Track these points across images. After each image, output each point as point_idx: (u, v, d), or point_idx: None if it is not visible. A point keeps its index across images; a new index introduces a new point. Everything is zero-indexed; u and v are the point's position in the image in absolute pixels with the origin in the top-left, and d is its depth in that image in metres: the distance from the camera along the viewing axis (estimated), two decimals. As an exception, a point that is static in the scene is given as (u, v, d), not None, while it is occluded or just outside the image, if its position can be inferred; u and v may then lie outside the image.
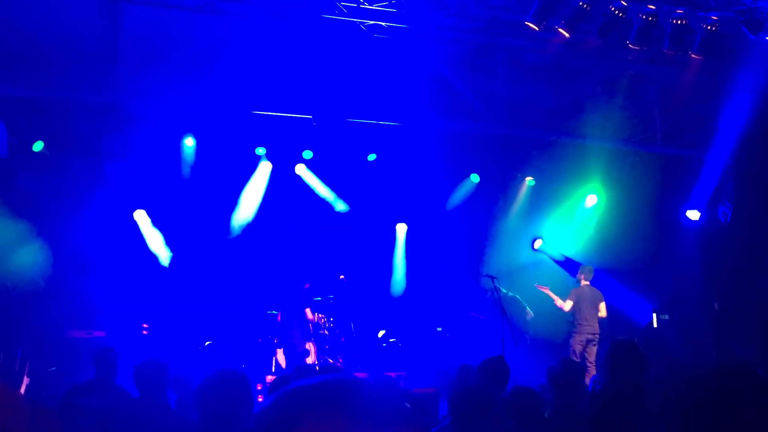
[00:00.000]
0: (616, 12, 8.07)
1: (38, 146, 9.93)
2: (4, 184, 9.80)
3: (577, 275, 10.73)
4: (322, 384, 1.14)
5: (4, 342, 9.03)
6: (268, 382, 8.99)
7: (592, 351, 10.22)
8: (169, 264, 10.92)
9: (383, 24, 9.04)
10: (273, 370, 10.07)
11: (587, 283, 10.62)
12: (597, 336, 10.31)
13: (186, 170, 11.02)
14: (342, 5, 8.68)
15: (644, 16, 8.22)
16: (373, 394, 1.15)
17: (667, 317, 10.89)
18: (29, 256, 9.83)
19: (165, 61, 9.29)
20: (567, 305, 10.39)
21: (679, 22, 8.39)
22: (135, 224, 10.93)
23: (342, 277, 10.90)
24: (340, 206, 12.07)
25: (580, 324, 10.35)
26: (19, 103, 9.44)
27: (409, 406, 1.47)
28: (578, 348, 10.26)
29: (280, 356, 10.41)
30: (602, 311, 10.47)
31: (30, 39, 8.78)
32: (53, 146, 10.07)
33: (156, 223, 11.04)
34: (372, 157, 11.64)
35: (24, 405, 1.23)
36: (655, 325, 10.92)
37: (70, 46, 8.95)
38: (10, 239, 9.69)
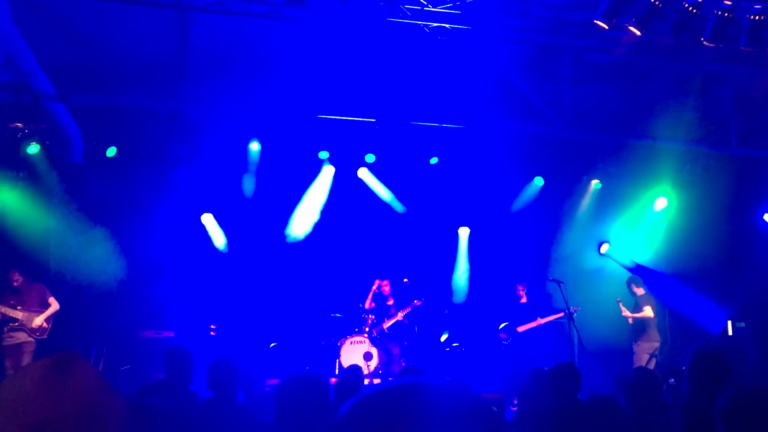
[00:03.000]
0: (690, 8, 7.78)
1: (111, 152, 10.26)
2: (79, 190, 10.16)
3: (632, 287, 10.58)
4: (400, 388, 1.11)
5: (80, 341, 9.36)
6: (332, 384, 9.01)
7: (653, 361, 10.00)
8: (236, 267, 11.10)
9: (447, 26, 8.98)
10: (336, 372, 10.11)
11: (642, 290, 10.54)
12: (658, 343, 10.28)
13: (251, 174, 11.20)
14: (406, 8, 8.67)
15: (720, 12, 7.90)
16: (453, 396, 1.11)
17: (743, 325, 10.44)
18: (102, 259, 10.18)
19: (231, 68, 9.47)
20: (648, 311, 10.25)
21: (757, 17, 8.03)
22: (202, 227, 11.16)
23: (406, 280, 10.88)
24: (401, 209, 12.08)
25: (649, 333, 10.12)
26: (93, 112, 9.78)
27: (495, 408, 1.40)
28: (644, 358, 9.97)
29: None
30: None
31: (104, 51, 9.10)
32: (124, 153, 10.40)
33: (222, 226, 11.26)
34: (434, 160, 11.57)
35: (120, 398, 1.24)
36: (730, 333, 10.49)
37: (142, 57, 9.24)
38: (84, 242, 10.05)
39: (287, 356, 10.32)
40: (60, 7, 8.44)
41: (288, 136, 10.78)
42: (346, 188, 11.76)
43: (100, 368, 9.27)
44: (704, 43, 8.12)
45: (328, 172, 11.67)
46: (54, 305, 9.35)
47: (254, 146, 10.96)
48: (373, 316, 10.82)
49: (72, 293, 9.63)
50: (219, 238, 11.26)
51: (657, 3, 7.66)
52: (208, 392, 4.67)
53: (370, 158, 11.64)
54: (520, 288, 10.91)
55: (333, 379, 9.57)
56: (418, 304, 10.83)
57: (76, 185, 10.14)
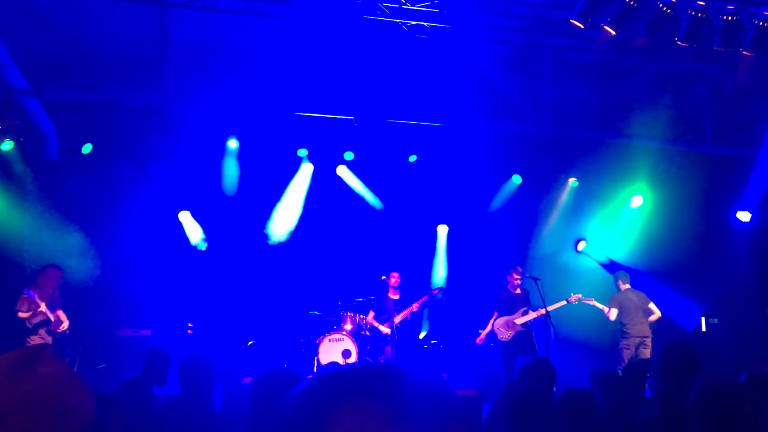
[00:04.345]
0: (664, 8, 7.87)
1: (87, 148, 10.15)
2: (54, 186, 10.05)
3: (615, 282, 10.46)
4: (366, 369, 1.10)
5: (55, 339, 9.25)
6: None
7: (645, 353, 9.90)
8: (213, 265, 11.05)
9: (425, 24, 9.01)
10: (315, 369, 10.10)
11: (627, 286, 10.30)
12: (648, 339, 9.94)
13: (229, 171, 11.15)
14: (384, 6, 8.68)
15: (693, 12, 8.00)
16: (422, 385, 1.10)
17: (716, 321, 10.61)
18: (78, 257, 10.07)
19: (209, 65, 9.42)
20: (612, 314, 10.05)
21: (729, 18, 8.14)
22: (179, 225, 11.09)
23: (384, 278, 10.88)
24: (380, 207, 12.11)
25: (627, 329, 10.05)
26: (69, 108, 9.67)
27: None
28: (627, 353, 9.95)
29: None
30: (655, 312, 10.09)
31: (80, 45, 9.00)
32: (101, 149, 10.29)
33: (200, 223, 11.20)
34: (413, 158, 11.61)
35: (90, 391, 1.24)
36: (703, 329, 10.65)
37: (119, 52, 9.15)
38: (59, 240, 9.94)
39: (265, 354, 10.29)
40: (37, 1, 8.33)
41: (266, 133, 10.76)
42: (324, 186, 11.75)
43: (76, 367, 9.18)
44: (678, 42, 8.23)
45: (306, 170, 11.66)
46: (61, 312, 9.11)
47: (232, 143, 10.92)
48: (360, 315, 10.78)
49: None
50: (196, 236, 11.20)
51: (632, 3, 7.74)
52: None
53: (348, 156, 11.64)
54: (516, 276, 10.17)
55: (311, 377, 9.61)
56: (435, 292, 10.80)
57: (51, 182, 10.03)
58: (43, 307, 8.52)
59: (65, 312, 9.06)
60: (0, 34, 7.75)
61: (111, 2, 8.20)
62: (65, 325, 8.95)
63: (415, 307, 10.60)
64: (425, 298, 10.73)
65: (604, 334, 10.71)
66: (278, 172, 11.49)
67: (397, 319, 10.46)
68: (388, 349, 10.38)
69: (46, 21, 8.63)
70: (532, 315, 10.03)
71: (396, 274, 10.77)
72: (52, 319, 8.71)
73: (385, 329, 10.45)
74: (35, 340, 8.68)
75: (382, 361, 10.38)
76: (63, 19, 8.66)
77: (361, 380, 1.05)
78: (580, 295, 10.15)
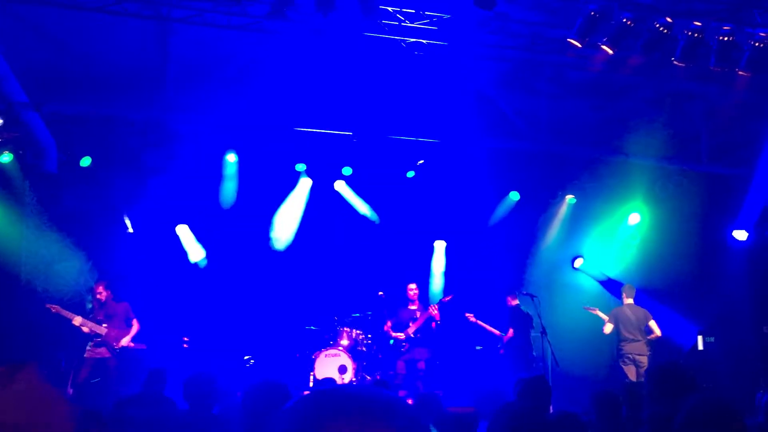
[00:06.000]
0: (661, 28, 7.96)
1: (86, 161, 10.17)
2: (53, 199, 10.06)
3: (622, 294, 10.38)
4: (353, 393, 1.10)
5: (50, 353, 9.23)
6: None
7: (639, 373, 9.70)
8: (210, 279, 11.03)
9: (424, 42, 9.09)
10: (311, 385, 10.06)
11: (630, 301, 10.17)
12: (642, 357, 9.71)
13: (227, 185, 11.17)
14: (383, 23, 8.75)
15: (690, 33, 8.09)
16: (407, 416, 1.10)
17: (712, 340, 10.59)
18: (74, 270, 10.06)
19: (209, 79, 9.46)
20: (607, 328, 9.92)
21: (725, 38, 8.23)
22: (177, 238, 11.09)
23: (381, 293, 10.87)
24: (378, 222, 12.13)
25: (620, 346, 9.85)
26: (68, 121, 9.69)
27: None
28: (627, 370, 9.70)
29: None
30: (655, 330, 9.89)
31: (80, 59, 9.05)
32: (99, 162, 10.31)
33: (197, 237, 11.19)
34: (411, 174, 11.64)
35: (71, 407, 1.25)
36: (700, 347, 10.63)
37: (119, 66, 9.20)
38: (56, 253, 9.94)
39: (261, 369, 10.25)
40: (37, 15, 8.39)
41: (265, 147, 10.79)
42: (322, 201, 11.77)
43: (70, 380, 9.15)
44: (675, 62, 8.30)
45: (305, 185, 11.68)
46: (136, 326, 9.59)
47: (231, 158, 10.94)
48: (357, 330, 10.74)
49: (42, 304, 9.47)
50: (193, 250, 11.19)
51: (629, 23, 7.82)
52: (183, 404, 4.67)
53: (347, 171, 11.67)
54: (512, 300, 10.80)
55: (307, 392, 9.57)
56: (446, 300, 10.70)
57: (49, 195, 10.03)
58: (76, 321, 9.18)
59: (59, 324, 9.17)
60: (2, 49, 7.79)
61: (111, 17, 8.26)
62: (124, 341, 9.39)
63: (432, 311, 10.51)
64: (436, 306, 10.65)
65: (598, 356, 10.69)
66: (276, 186, 11.51)
67: (411, 329, 10.41)
68: (401, 363, 10.35)
69: (46, 35, 8.69)
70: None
71: (413, 286, 10.72)
72: (101, 333, 9.27)
73: (399, 335, 10.42)
74: (88, 352, 9.34)
75: (378, 377, 10.35)
76: (63, 33, 8.72)
77: (342, 404, 1.06)
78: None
